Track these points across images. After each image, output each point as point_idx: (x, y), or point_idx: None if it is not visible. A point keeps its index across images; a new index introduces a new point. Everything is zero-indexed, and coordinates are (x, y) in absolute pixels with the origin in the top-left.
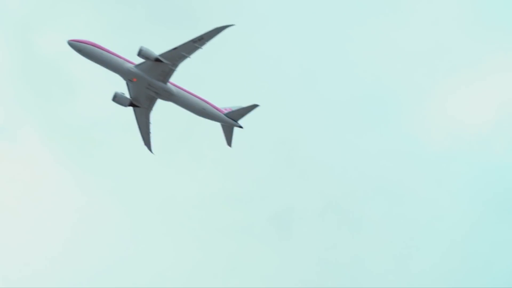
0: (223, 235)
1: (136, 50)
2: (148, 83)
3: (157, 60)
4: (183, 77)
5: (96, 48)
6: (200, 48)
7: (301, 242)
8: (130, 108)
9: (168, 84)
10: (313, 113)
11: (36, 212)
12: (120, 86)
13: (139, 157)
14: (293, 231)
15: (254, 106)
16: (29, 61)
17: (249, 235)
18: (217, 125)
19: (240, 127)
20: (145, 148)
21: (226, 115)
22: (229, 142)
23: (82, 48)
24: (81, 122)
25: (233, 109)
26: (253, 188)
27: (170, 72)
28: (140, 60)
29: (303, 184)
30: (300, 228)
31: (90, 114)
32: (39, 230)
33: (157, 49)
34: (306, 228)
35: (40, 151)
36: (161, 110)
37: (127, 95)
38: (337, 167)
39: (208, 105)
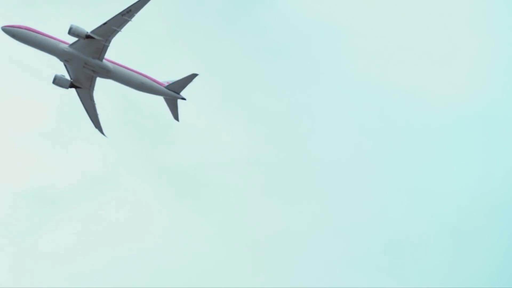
0: (334, 270)
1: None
2: (84, 62)
3: (89, 37)
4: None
5: (29, 32)
6: (130, 20)
7: (416, 272)
8: (73, 90)
9: (104, 61)
10: (413, 131)
11: (150, 259)
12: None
13: (244, 194)
14: (407, 260)
15: (193, 75)
16: (127, 108)
17: (360, 267)
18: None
19: (183, 99)
20: (99, 132)
21: (167, 87)
22: (175, 116)
23: (16, 33)
24: (184, 165)
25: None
26: (357, 215)
27: (104, 49)
28: (74, 40)
29: (412, 207)
30: (415, 256)
31: (193, 156)
32: (153, 278)
33: None
34: (421, 256)
35: (149, 197)
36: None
37: (67, 77)
38: (443, 186)
39: (147, 79)
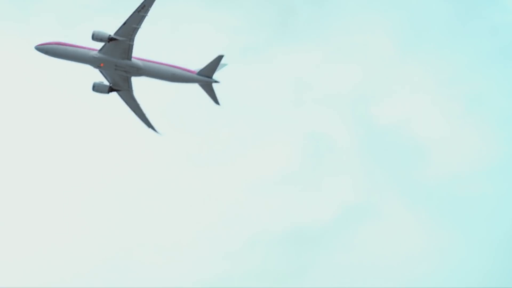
0: None
1: None
2: (114, 64)
3: (112, 39)
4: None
5: (60, 46)
6: (146, 15)
7: None
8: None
9: (133, 59)
10: None
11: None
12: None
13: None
14: None
15: (220, 57)
16: (371, 135)
17: None
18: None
19: (216, 81)
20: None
21: (198, 73)
22: (215, 101)
23: (49, 49)
24: (439, 182)
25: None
26: None
27: (129, 48)
28: (101, 45)
29: None
30: None
31: (446, 172)
32: None
33: None
34: None
35: (411, 222)
36: None
37: (106, 82)
38: None
39: (177, 69)
